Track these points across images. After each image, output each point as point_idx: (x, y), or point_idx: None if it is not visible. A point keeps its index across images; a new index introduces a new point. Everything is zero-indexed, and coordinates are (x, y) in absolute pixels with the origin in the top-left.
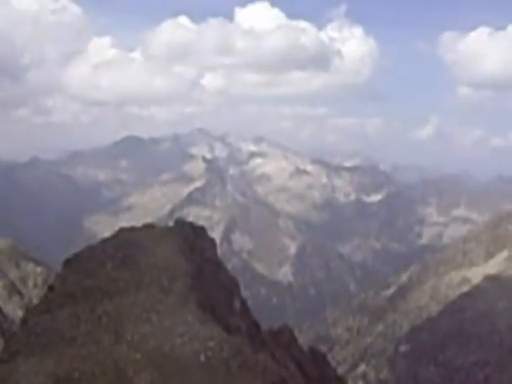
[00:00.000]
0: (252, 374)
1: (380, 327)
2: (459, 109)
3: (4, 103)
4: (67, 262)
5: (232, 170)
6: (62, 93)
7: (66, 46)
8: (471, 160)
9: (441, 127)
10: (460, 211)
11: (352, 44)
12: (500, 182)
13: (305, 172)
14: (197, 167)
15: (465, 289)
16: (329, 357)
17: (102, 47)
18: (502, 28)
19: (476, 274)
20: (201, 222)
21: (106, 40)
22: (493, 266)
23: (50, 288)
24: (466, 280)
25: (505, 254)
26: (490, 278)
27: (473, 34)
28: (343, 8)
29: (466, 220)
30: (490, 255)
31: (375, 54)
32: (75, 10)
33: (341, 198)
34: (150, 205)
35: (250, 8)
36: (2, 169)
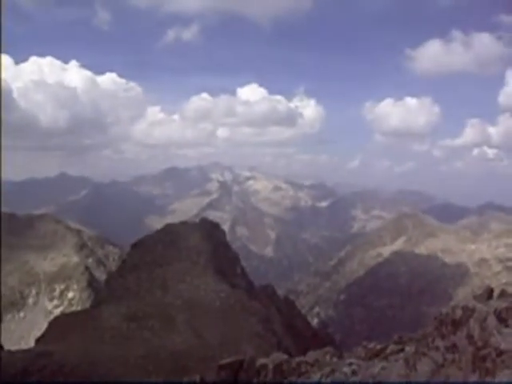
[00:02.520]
0: (248, 313)
1: (327, 284)
2: (375, 149)
3: (95, 146)
4: (134, 245)
5: (235, 188)
6: (130, 140)
7: (132, 111)
8: (382, 180)
9: (363, 160)
10: (376, 212)
11: (309, 109)
12: (400, 194)
13: (280, 188)
14: (213, 186)
15: (379, 259)
16: (296, 303)
17: (154, 112)
18: (401, 99)
19: (386, 251)
20: (216, 220)
21: (157, 108)
22: (396, 246)
23: (123, 261)
24: (380, 254)
25: (403, 238)
26: (394, 253)
27: (383, 103)
28: (303, 87)
29: (379, 217)
30: (394, 239)
31: (323, 115)
32: (138, 88)
33: (302, 204)
34: (184, 209)
35: (246, 87)
36: (93, 187)
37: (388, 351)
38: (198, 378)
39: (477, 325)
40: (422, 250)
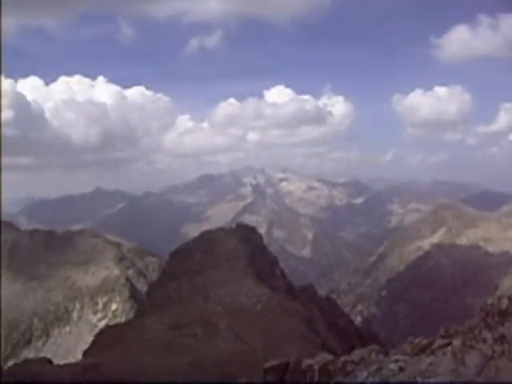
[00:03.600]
0: (290, 315)
1: (368, 281)
2: (407, 141)
3: (127, 159)
4: (172, 254)
5: (269, 190)
6: (162, 151)
7: (162, 122)
8: (417, 172)
9: (396, 154)
10: (412, 205)
11: (337, 107)
12: (436, 184)
13: (314, 188)
14: (247, 190)
15: (419, 253)
16: (338, 302)
17: (183, 121)
18: (430, 89)
19: (425, 244)
20: (252, 224)
21: (186, 116)
22: (436, 238)
23: (163, 271)
24: (419, 248)
25: (443, 230)
26: (434, 246)
27: (412, 94)
28: (329, 85)
29: (416, 210)
30: (433, 231)
31: (352, 111)
32: (166, 99)
33: (337, 202)
34: (220, 215)
35: (273, 90)
36: (128, 200)
37: (435, 346)
38: (245, 383)
39: None
40: (463, 240)
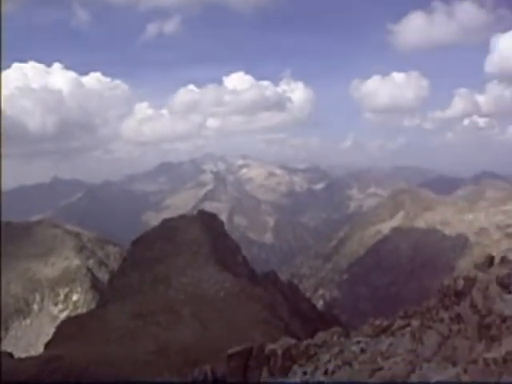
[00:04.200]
0: (253, 301)
1: (329, 265)
2: (366, 127)
3: (85, 148)
4: (133, 243)
5: (230, 177)
6: (120, 139)
7: (120, 109)
8: (376, 158)
9: (355, 140)
10: (372, 190)
11: (297, 93)
12: (395, 170)
13: (274, 174)
14: (207, 177)
15: (379, 237)
16: (300, 286)
17: (142, 109)
18: (388, 75)
19: (384, 228)
20: (213, 211)
21: (145, 103)
22: (394, 222)
23: (124, 260)
24: (378, 232)
25: (401, 214)
26: (393, 229)
27: (370, 80)
28: (289, 71)
29: (376, 195)
30: (392, 215)
31: (312, 97)
32: (124, 86)
33: (298, 188)
34: (180, 203)
35: (232, 76)
36: (87, 189)
37: (394, 327)
38: (208, 370)
39: (479, 294)
40: (420, 224)
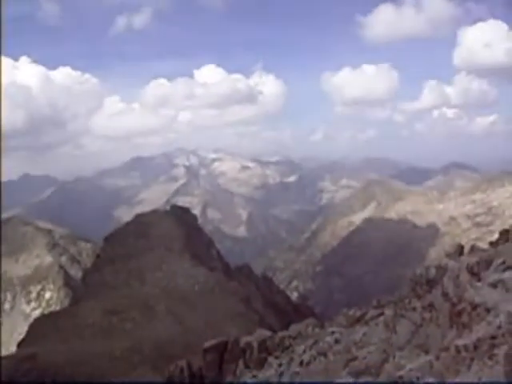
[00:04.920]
0: (228, 295)
1: (303, 257)
2: (337, 119)
3: (55, 143)
4: (106, 239)
5: (202, 171)
6: (91, 134)
7: (90, 104)
8: (347, 150)
9: (327, 132)
10: (344, 182)
11: (269, 85)
12: (366, 161)
13: (247, 167)
14: (180, 171)
15: (351, 228)
16: (274, 279)
17: (112, 102)
18: (358, 67)
19: (357, 219)
20: (186, 205)
21: (115, 98)
22: (366, 212)
23: (97, 256)
24: (351, 223)
25: (373, 205)
26: (365, 220)
27: (340, 73)
28: (260, 64)
29: (348, 187)
30: (363, 206)
31: (283, 90)
32: (94, 80)
33: (270, 181)
34: (153, 198)
35: (203, 69)
36: (58, 185)
37: (368, 316)
38: (184, 365)
39: (450, 282)
40: (392, 214)
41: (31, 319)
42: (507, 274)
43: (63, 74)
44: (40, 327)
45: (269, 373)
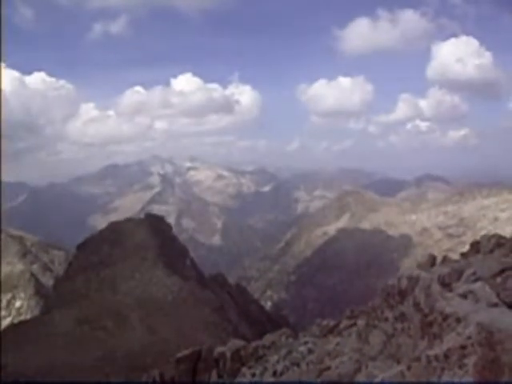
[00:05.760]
0: (201, 304)
1: (277, 267)
2: (312, 130)
3: (29, 149)
4: (79, 247)
5: (177, 179)
6: (66, 140)
7: (65, 110)
8: (322, 160)
9: (302, 142)
10: (318, 192)
11: (245, 96)
12: (341, 172)
13: (222, 176)
14: (155, 180)
15: (325, 238)
16: (248, 288)
17: (88, 109)
18: (334, 79)
19: (331, 229)
20: (161, 214)
21: (91, 105)
22: (340, 223)
23: (70, 264)
24: (325, 233)
25: (347, 215)
26: (339, 230)
27: (316, 84)
28: (237, 74)
29: (322, 197)
30: (338, 217)
31: (259, 100)
32: (69, 86)
33: (245, 190)
34: (127, 206)
35: (180, 78)
36: (31, 192)
37: (341, 327)
38: (157, 374)
39: (422, 292)
40: (365, 225)
41: (1, 328)
42: (477, 285)
43: (38, 80)
44: (10, 337)
45: (242, 383)
